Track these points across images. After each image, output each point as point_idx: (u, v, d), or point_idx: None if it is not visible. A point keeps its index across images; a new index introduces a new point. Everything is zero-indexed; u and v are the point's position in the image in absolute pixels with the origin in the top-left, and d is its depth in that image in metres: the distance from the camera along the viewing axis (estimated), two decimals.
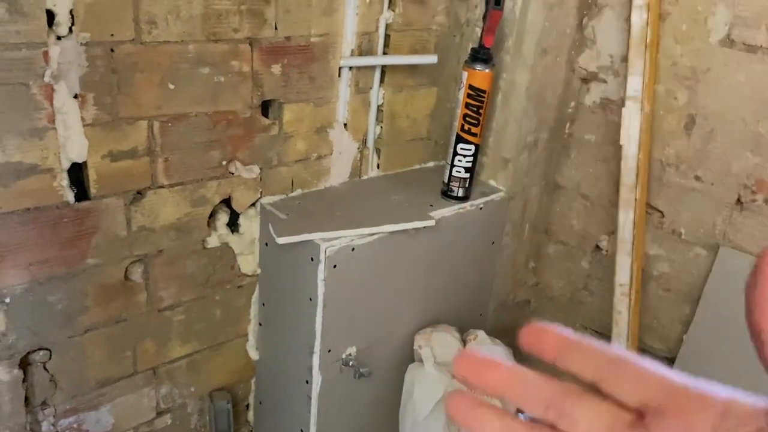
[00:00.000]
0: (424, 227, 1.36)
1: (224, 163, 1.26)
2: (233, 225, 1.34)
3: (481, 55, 1.31)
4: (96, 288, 1.17)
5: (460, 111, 1.37)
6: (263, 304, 1.42)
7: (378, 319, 1.40)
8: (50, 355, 1.15)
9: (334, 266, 1.24)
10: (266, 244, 1.36)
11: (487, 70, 1.33)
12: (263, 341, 1.46)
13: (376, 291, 1.36)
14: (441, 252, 1.46)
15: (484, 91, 1.34)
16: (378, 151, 1.54)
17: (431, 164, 1.68)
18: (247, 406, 1.55)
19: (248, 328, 1.45)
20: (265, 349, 1.46)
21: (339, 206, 1.38)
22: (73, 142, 1.06)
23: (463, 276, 1.57)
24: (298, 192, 1.41)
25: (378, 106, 1.48)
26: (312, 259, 1.24)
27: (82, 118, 1.05)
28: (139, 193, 1.17)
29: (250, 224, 1.36)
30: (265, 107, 1.29)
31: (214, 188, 1.26)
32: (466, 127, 1.38)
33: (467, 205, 1.47)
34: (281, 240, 1.21)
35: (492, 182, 1.58)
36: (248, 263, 1.39)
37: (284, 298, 1.36)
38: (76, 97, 1.03)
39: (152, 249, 1.22)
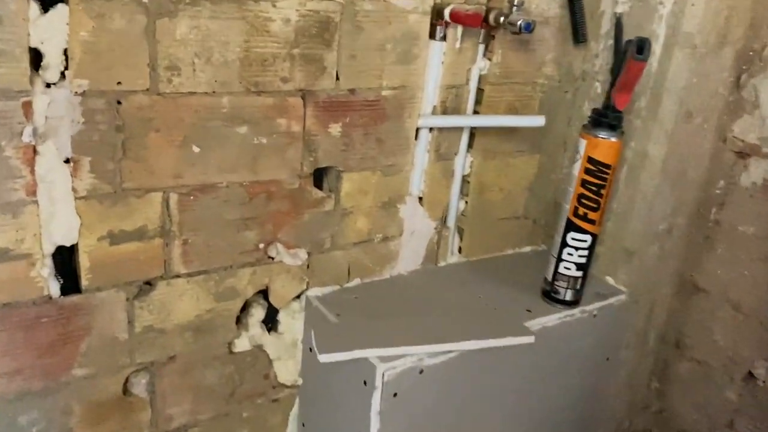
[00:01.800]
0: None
1: (262, 246, 0.98)
2: (270, 322, 1.06)
3: (608, 119, 0.98)
4: (84, 405, 0.90)
5: (573, 190, 1.04)
6: (303, 425, 1.12)
7: None
8: None
9: (395, 395, 0.92)
10: (311, 349, 1.06)
11: (614, 139, 1.00)
12: None
13: (449, 424, 1.02)
14: (538, 371, 1.11)
15: (608, 167, 1.00)
16: (461, 231, 1.22)
17: (527, 249, 1.34)
18: None
19: None
20: None
21: (407, 305, 1.06)
22: (60, 221, 0.81)
23: (565, 400, 1.20)
24: (355, 282, 1.11)
25: (463, 177, 1.17)
26: (365, 384, 0.92)
27: (74, 189, 0.80)
28: (147, 284, 0.90)
29: (291, 322, 1.06)
30: (319, 176, 1.01)
31: (247, 277, 0.98)
32: (582, 211, 1.04)
33: (577, 311, 1.12)
34: (324, 357, 0.90)
35: (609, 279, 1.22)
36: (287, 371, 1.09)
37: (329, 425, 1.04)
38: (67, 162, 0.79)
39: (161, 355, 0.94)
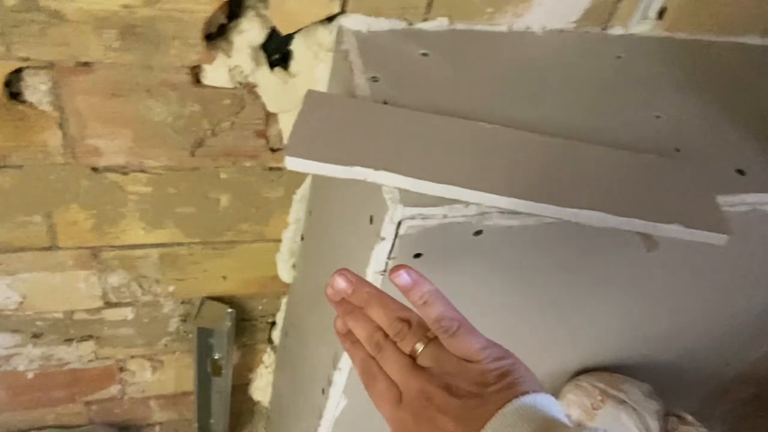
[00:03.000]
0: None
1: None
2: (277, 53, 0.62)
3: None
4: None
5: None
6: (310, 213, 0.74)
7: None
8: None
9: (417, 256, 0.50)
10: None
11: None
12: (304, 262, 0.81)
13: (504, 309, 0.60)
14: (693, 282, 0.62)
15: None
16: None
17: None
18: (273, 323, 0.98)
19: (282, 234, 0.80)
20: (304, 274, 0.82)
21: (515, 99, 0.57)
22: None
23: (707, 323, 0.72)
24: (438, 24, 0.60)
25: None
26: (371, 221, 0.50)
27: None
28: None
29: (311, 61, 0.62)
30: None
31: None
32: None
33: None
34: (292, 162, 0.46)
35: None
36: None
37: (334, 241, 0.66)
38: None
39: (65, 56, 0.55)
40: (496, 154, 0.50)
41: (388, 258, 0.49)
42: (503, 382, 0.32)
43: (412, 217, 0.46)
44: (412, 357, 0.36)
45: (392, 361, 0.36)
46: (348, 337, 0.40)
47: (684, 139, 0.57)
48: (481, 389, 0.32)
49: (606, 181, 0.50)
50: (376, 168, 0.46)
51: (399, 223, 0.46)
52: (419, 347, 0.36)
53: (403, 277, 0.38)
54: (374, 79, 0.54)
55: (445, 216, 0.47)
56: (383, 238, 0.48)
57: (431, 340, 0.37)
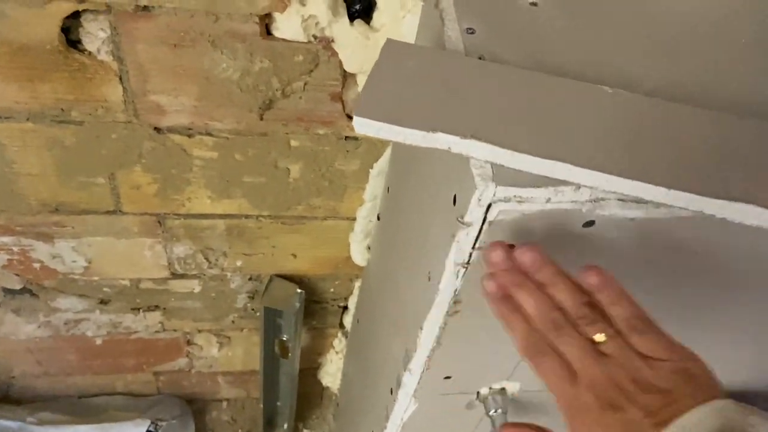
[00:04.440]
0: None
1: None
2: (358, 3, 0.53)
3: None
4: None
5: None
6: (388, 190, 0.66)
7: None
8: None
9: (510, 247, 0.40)
10: None
11: None
12: (379, 245, 0.73)
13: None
14: None
15: None
16: None
17: None
18: (345, 308, 0.92)
19: (357, 212, 0.73)
20: (379, 258, 0.74)
21: (645, 51, 0.46)
22: None
23: None
24: None
25: None
26: (454, 202, 0.41)
27: None
28: None
29: (398, 12, 0.53)
30: None
31: None
32: None
33: None
34: (361, 123, 0.38)
35: None
36: None
37: (413, 219, 0.58)
38: None
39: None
40: (619, 125, 0.39)
41: (474, 248, 0.41)
42: (694, 384, 0.34)
43: (507, 200, 0.37)
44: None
45: (572, 343, 0.36)
46: (507, 303, 0.39)
47: None
48: (671, 386, 0.34)
49: (766, 170, 0.38)
50: (464, 136, 0.37)
51: (489, 206, 0.37)
52: (602, 336, 0.36)
53: (595, 278, 0.37)
54: (470, 31, 0.45)
55: (548, 200, 0.37)
56: (468, 224, 0.39)
57: (617, 331, 0.36)
